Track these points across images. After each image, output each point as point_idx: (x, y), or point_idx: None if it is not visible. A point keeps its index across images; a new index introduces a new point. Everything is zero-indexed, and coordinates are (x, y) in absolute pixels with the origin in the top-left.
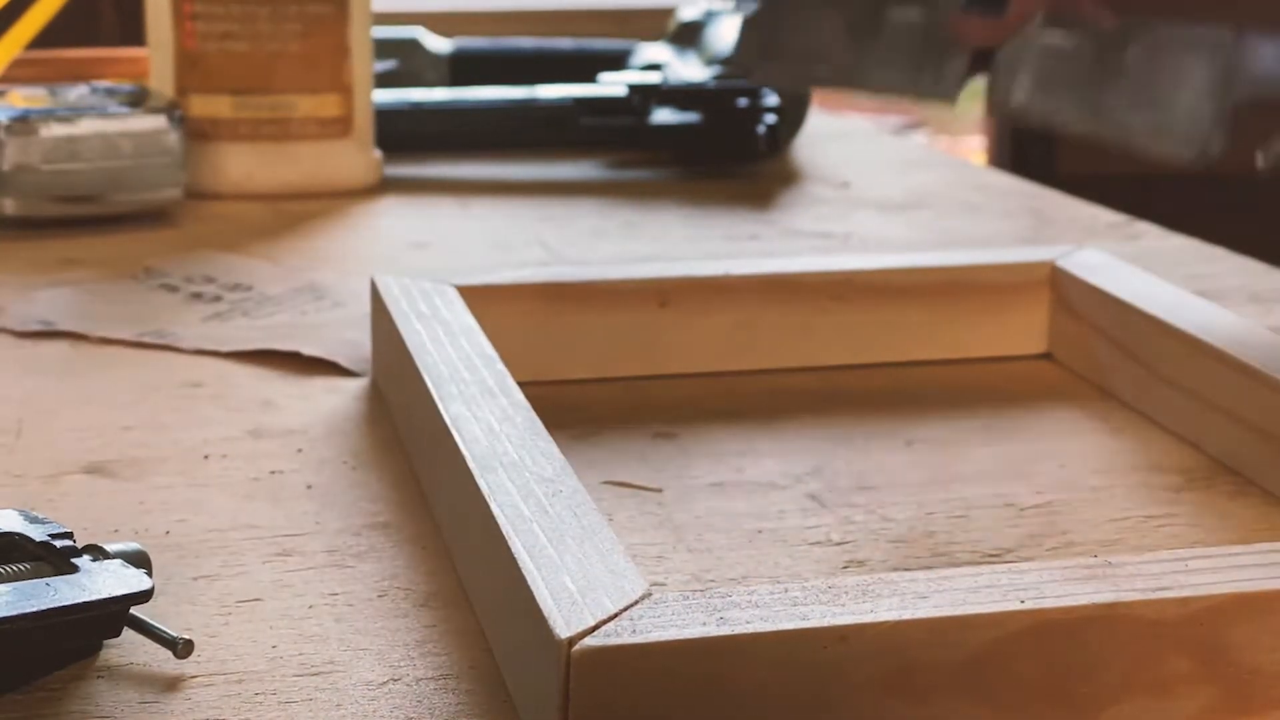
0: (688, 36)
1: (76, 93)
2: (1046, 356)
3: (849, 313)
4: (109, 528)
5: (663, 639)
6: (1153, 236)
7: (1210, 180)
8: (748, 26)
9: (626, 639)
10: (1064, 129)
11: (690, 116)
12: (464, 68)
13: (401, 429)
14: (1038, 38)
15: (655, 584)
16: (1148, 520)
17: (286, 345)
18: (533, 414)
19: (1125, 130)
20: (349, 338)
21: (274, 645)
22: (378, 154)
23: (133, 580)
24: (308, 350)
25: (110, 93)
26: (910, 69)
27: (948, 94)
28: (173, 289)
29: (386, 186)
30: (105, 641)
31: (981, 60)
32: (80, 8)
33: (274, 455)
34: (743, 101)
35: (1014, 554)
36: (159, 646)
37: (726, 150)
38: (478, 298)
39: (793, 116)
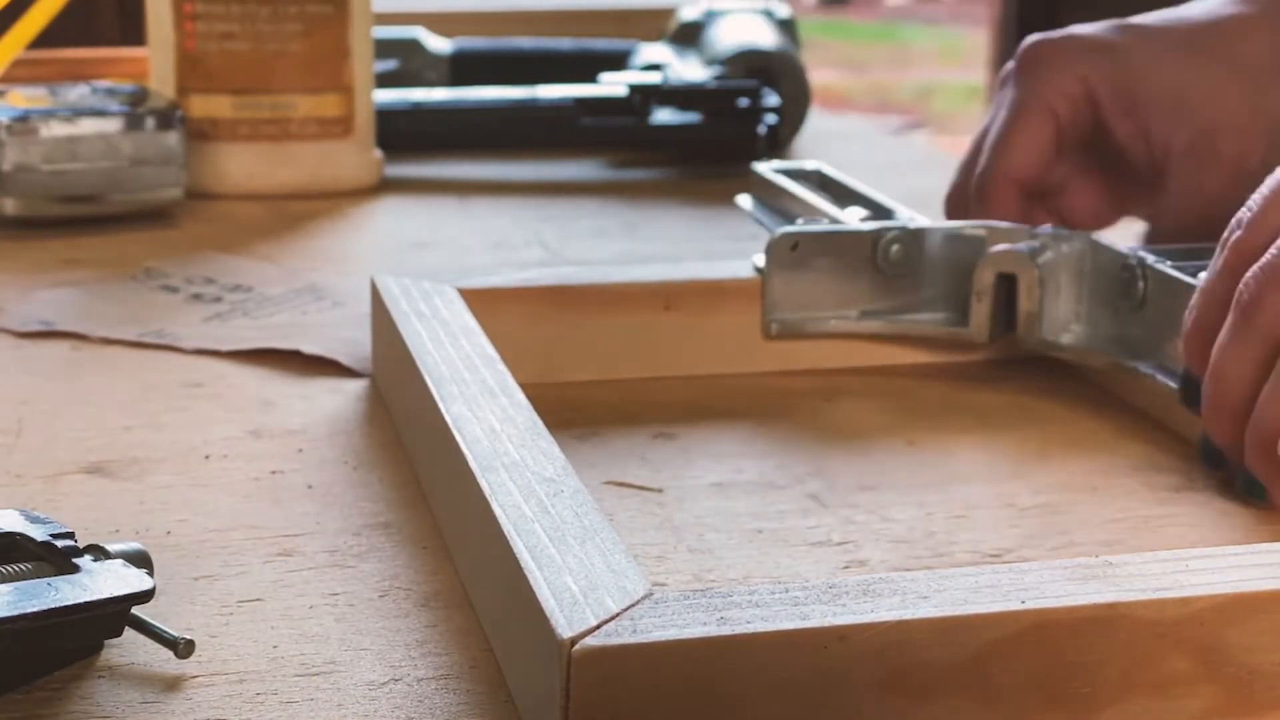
0: (688, 36)
1: (76, 93)
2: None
3: None
4: (110, 528)
5: (663, 639)
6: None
7: None
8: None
9: (627, 639)
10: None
11: (690, 116)
12: (464, 68)
13: (402, 429)
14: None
15: (656, 584)
16: (1148, 520)
17: (287, 344)
18: (534, 414)
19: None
20: (349, 336)
21: (275, 645)
22: (378, 154)
23: (134, 580)
24: (308, 349)
25: (110, 93)
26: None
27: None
28: (173, 290)
29: (386, 186)
30: (106, 641)
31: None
32: (80, 8)
33: (274, 455)
34: (743, 101)
35: (1014, 554)
36: (160, 646)
37: (726, 150)
38: (480, 300)
39: (793, 116)
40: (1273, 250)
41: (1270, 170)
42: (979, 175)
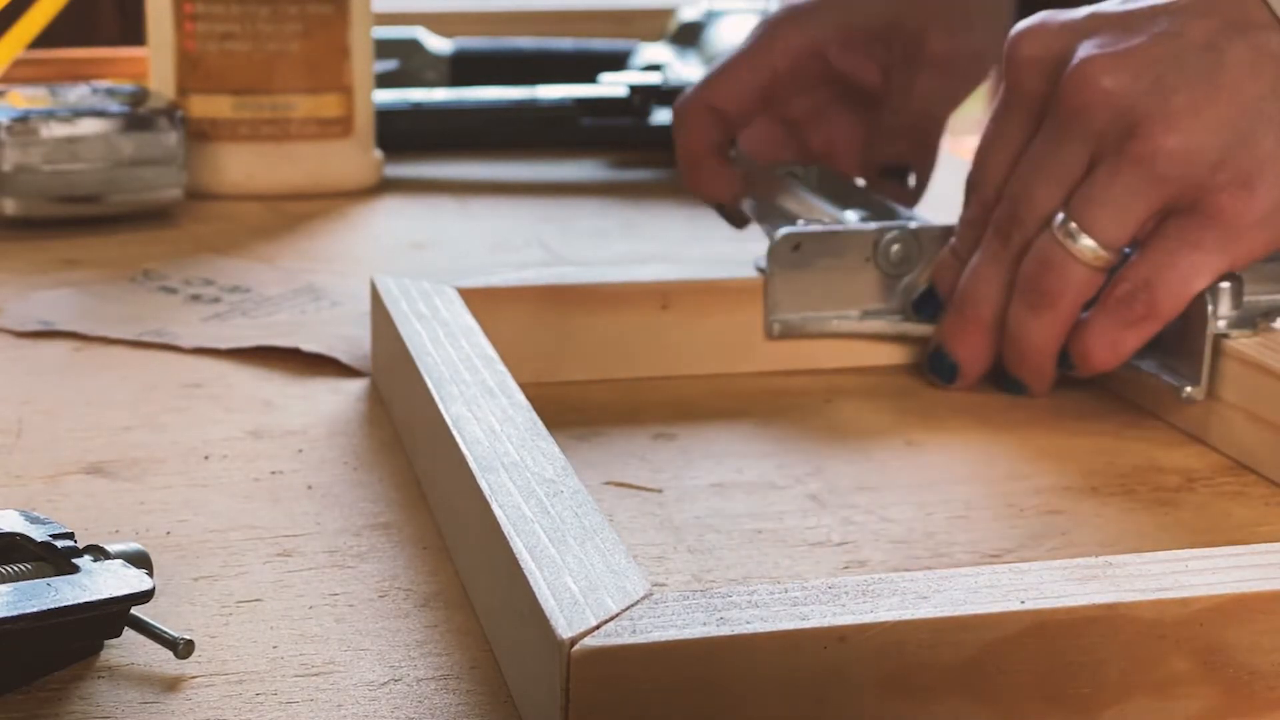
0: (688, 36)
1: (76, 93)
2: None
3: None
4: (109, 528)
5: (663, 639)
6: None
7: None
8: None
9: (627, 639)
10: None
11: None
12: (464, 68)
13: (402, 429)
14: None
15: (656, 584)
16: (1148, 520)
17: (286, 341)
18: (533, 414)
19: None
20: (348, 334)
21: (275, 645)
22: (378, 154)
23: (133, 580)
24: (307, 346)
25: (110, 93)
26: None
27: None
28: (171, 291)
29: (386, 186)
30: (106, 642)
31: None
32: (80, 8)
33: (274, 455)
34: None
35: (1014, 554)
36: (160, 647)
37: None
38: (479, 300)
39: None
40: (1011, 188)
41: (981, 60)
42: (680, 100)
